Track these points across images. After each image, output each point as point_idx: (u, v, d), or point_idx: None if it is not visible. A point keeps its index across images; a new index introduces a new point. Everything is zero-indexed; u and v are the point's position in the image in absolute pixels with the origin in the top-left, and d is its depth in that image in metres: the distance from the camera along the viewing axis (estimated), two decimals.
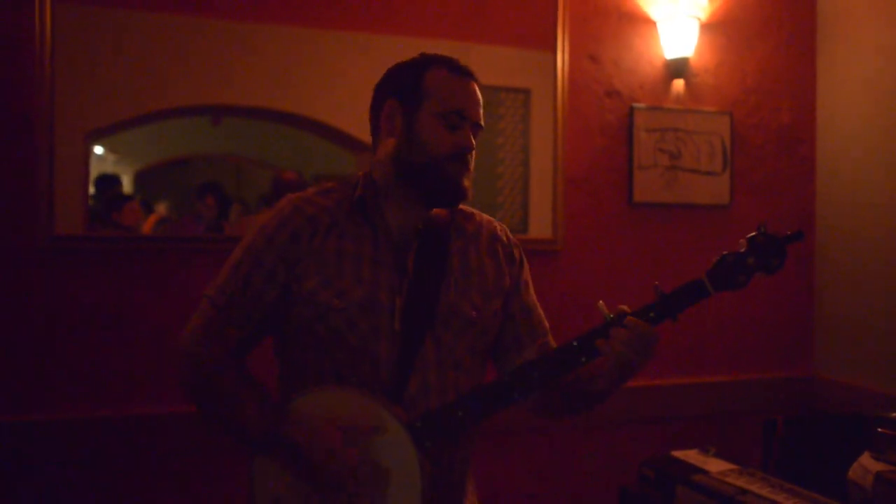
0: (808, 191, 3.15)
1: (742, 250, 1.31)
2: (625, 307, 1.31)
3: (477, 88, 1.41)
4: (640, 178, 2.90)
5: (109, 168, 2.90)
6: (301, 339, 1.37)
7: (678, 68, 2.91)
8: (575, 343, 1.31)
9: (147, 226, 2.76)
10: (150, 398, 2.37)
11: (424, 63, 1.40)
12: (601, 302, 1.33)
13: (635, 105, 2.89)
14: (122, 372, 2.35)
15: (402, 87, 1.38)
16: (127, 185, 2.90)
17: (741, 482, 2.17)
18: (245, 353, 1.41)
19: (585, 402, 1.43)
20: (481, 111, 1.41)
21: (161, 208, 2.95)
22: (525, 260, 1.54)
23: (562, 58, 2.79)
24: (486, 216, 1.54)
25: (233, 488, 1.97)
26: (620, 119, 2.89)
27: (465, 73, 1.40)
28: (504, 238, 1.51)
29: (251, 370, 1.39)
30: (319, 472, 1.24)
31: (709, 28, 2.96)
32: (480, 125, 1.40)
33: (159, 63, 2.48)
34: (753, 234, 1.32)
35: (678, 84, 2.94)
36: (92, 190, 2.68)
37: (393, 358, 1.32)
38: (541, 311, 1.53)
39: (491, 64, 2.81)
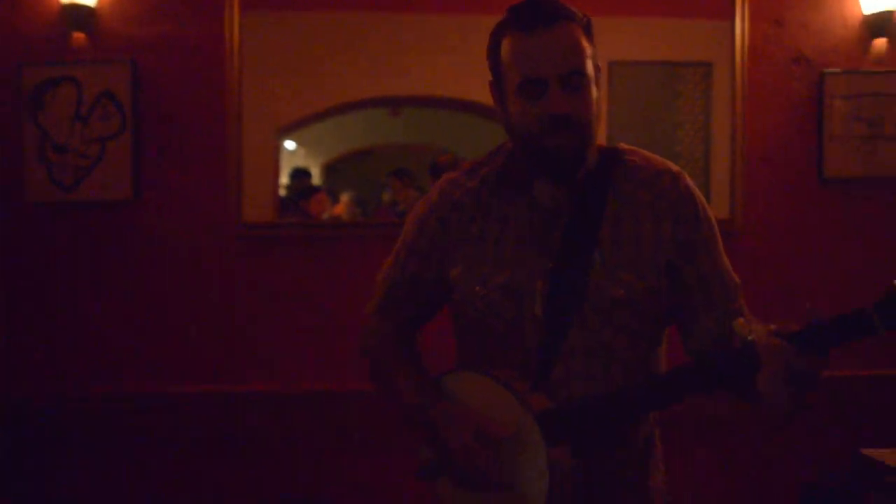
0: None
1: None
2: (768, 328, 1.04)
3: (558, 32, 1.16)
4: (832, 151, 2.55)
5: (300, 161, 3.07)
6: (459, 318, 1.36)
7: (880, 25, 2.51)
8: (710, 361, 1.10)
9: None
10: (324, 375, 2.47)
11: (498, 31, 1.22)
12: (740, 320, 1.06)
13: (827, 71, 2.55)
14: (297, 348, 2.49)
15: (491, 65, 1.26)
16: (316, 176, 3.06)
17: None
18: (419, 326, 1.42)
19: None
20: (571, 56, 1.16)
21: (345, 197, 3.08)
22: (704, 214, 1.26)
23: (741, 25, 2.51)
24: (660, 164, 1.28)
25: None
26: (809, 87, 2.55)
27: (533, 24, 1.16)
28: (674, 194, 1.25)
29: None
30: (450, 457, 1.21)
31: None
32: (573, 72, 1.16)
33: (339, 59, 2.56)
34: None
35: (880, 43, 2.54)
36: (286, 181, 2.86)
37: (537, 343, 1.24)
38: (725, 273, 1.27)
39: (668, 38, 2.61)
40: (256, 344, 2.49)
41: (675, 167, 1.30)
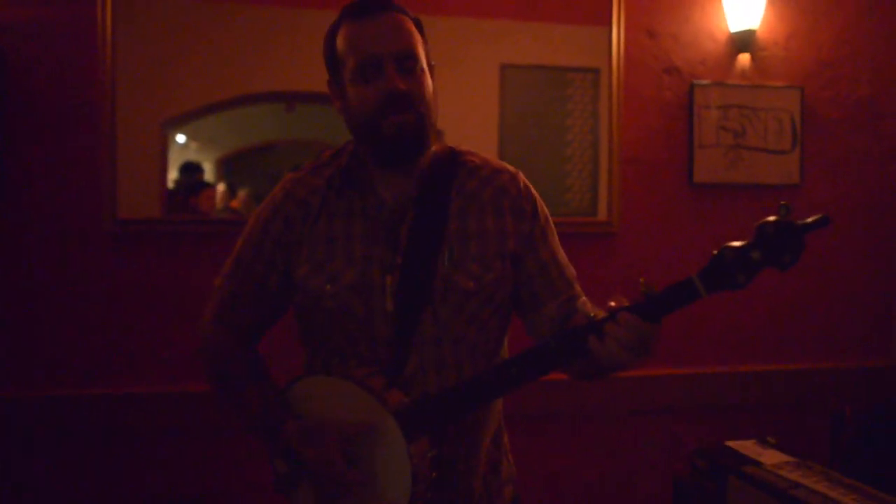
0: (892, 168, 2.82)
1: (745, 243, 1.01)
2: (602, 311, 1.08)
3: (389, 17, 1.20)
4: (700, 158, 2.66)
5: (192, 155, 2.92)
6: (306, 321, 1.32)
7: (744, 42, 2.64)
8: (553, 343, 1.11)
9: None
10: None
11: (333, 27, 1.25)
12: (583, 299, 1.13)
13: (696, 82, 2.65)
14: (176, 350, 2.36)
15: (328, 66, 1.27)
16: (209, 171, 2.93)
17: (796, 475, 1.96)
18: (259, 337, 1.38)
19: (589, 378, 1.25)
20: (404, 39, 1.19)
21: (241, 193, 2.96)
22: (541, 210, 1.32)
23: (617, 33, 2.58)
24: (497, 164, 1.33)
25: None
26: (680, 97, 2.65)
27: (364, 12, 1.20)
28: (513, 191, 1.29)
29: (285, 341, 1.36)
30: (311, 468, 1.17)
31: None
32: (407, 54, 1.18)
33: (231, 51, 2.45)
34: (764, 221, 1.00)
35: (743, 59, 2.67)
36: (176, 176, 2.71)
37: (389, 337, 1.22)
38: (563, 263, 1.32)
39: (557, 43, 2.63)
40: (134, 344, 2.35)
41: (511, 167, 1.34)
